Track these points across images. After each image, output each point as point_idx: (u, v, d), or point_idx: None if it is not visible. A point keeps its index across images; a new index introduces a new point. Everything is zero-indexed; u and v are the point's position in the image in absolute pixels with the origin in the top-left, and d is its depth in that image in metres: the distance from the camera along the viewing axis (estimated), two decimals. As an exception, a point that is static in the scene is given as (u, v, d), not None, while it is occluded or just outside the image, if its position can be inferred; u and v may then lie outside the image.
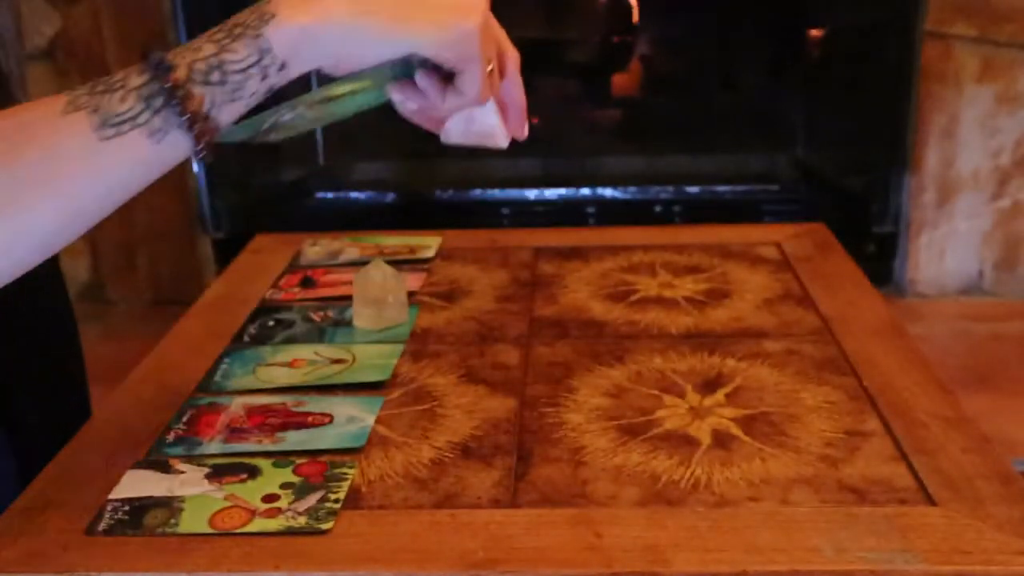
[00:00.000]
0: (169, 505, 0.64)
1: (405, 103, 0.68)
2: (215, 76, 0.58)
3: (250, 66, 0.58)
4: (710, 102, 2.54)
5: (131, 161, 0.58)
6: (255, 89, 0.59)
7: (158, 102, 0.57)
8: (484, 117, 0.68)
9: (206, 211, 2.25)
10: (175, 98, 0.57)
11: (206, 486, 0.66)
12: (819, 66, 2.37)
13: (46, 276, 0.88)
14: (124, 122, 0.57)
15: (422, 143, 2.72)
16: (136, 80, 0.57)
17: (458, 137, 0.69)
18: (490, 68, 0.66)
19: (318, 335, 0.90)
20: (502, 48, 0.69)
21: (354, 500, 0.65)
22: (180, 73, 0.57)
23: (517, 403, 0.77)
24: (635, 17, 2.48)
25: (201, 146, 0.59)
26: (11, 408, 0.82)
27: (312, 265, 1.07)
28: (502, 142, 0.69)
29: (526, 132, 0.72)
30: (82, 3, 2.14)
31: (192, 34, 2.15)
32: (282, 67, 0.59)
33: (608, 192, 2.35)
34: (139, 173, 0.59)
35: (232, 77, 0.58)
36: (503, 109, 0.69)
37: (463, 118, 0.68)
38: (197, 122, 0.58)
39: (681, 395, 0.77)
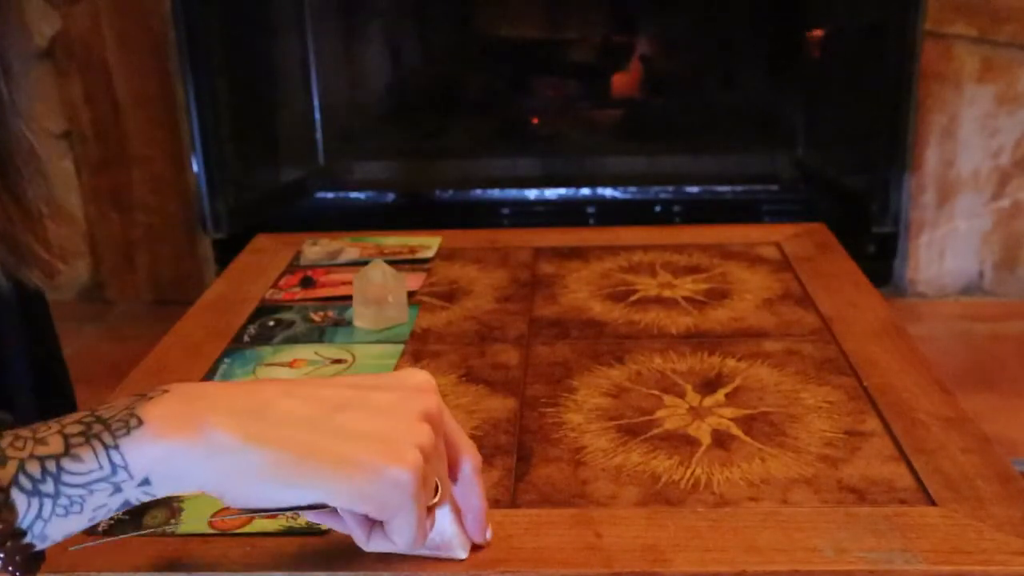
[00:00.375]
0: (169, 505, 0.64)
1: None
2: (48, 486, 0.47)
3: (96, 480, 0.47)
4: (710, 102, 2.55)
5: None
6: (102, 503, 0.48)
7: None
8: (438, 525, 0.57)
9: (206, 211, 2.25)
10: None
11: (206, 486, 0.66)
12: (819, 66, 2.37)
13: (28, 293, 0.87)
14: None
15: (422, 143, 2.71)
16: None
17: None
18: (435, 500, 0.54)
19: (318, 335, 0.90)
20: (455, 452, 0.56)
21: (354, 500, 0.65)
22: (4, 473, 0.46)
23: (517, 403, 0.77)
24: None
25: (14, 564, 0.47)
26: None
27: (312, 265, 1.07)
28: (460, 553, 0.58)
29: (489, 535, 0.59)
30: (82, 3, 2.14)
31: (192, 34, 2.12)
32: (144, 483, 0.48)
33: (608, 192, 2.35)
34: None
35: (69, 491, 0.47)
36: (459, 514, 0.58)
37: None
38: (8, 539, 0.47)
39: (681, 395, 0.77)
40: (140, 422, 0.47)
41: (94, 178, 2.27)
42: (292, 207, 2.40)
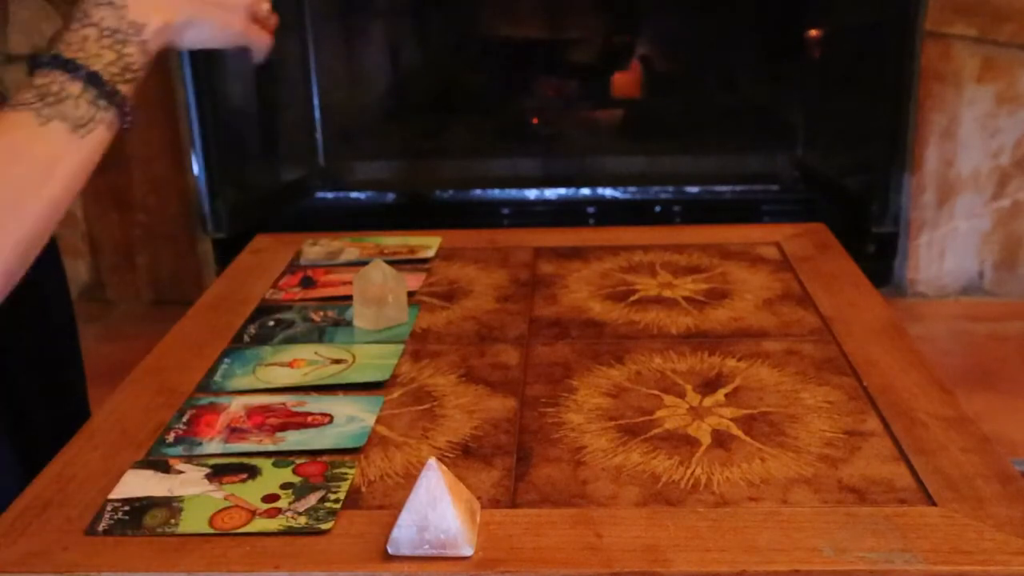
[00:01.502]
0: (169, 505, 0.64)
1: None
2: (128, 75, 0.76)
3: (143, 63, 0.77)
4: (710, 102, 2.55)
5: (100, 147, 0.75)
6: (144, 74, 0.78)
7: (103, 103, 0.74)
8: (441, 523, 0.58)
9: (206, 211, 2.25)
10: (116, 98, 0.74)
11: (206, 486, 0.66)
12: (819, 66, 2.37)
13: (50, 281, 0.89)
14: (89, 121, 0.73)
15: (422, 143, 2.71)
16: (74, 89, 0.73)
17: (409, 548, 0.58)
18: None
19: (318, 335, 0.90)
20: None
21: (354, 500, 0.65)
22: (108, 77, 0.74)
23: (517, 403, 0.77)
24: None
25: (127, 122, 0.76)
26: (16, 410, 0.83)
27: (312, 265, 1.07)
28: (465, 550, 0.58)
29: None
30: (82, 3, 2.14)
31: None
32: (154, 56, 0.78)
33: (608, 192, 2.35)
34: (99, 155, 0.76)
35: (136, 73, 0.76)
36: (462, 511, 0.59)
37: (415, 524, 0.58)
38: (126, 106, 0.76)
39: (681, 395, 0.77)
40: (144, 24, 0.77)
41: (94, 178, 2.26)
42: (292, 207, 2.40)
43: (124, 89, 0.75)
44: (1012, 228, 2.18)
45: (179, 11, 0.80)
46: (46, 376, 0.90)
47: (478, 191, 2.39)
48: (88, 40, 0.75)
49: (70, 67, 0.74)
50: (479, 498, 0.64)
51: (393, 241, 1.14)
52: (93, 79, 0.74)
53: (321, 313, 0.95)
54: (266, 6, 0.90)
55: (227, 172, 2.27)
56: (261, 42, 0.89)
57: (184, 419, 0.76)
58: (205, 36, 0.83)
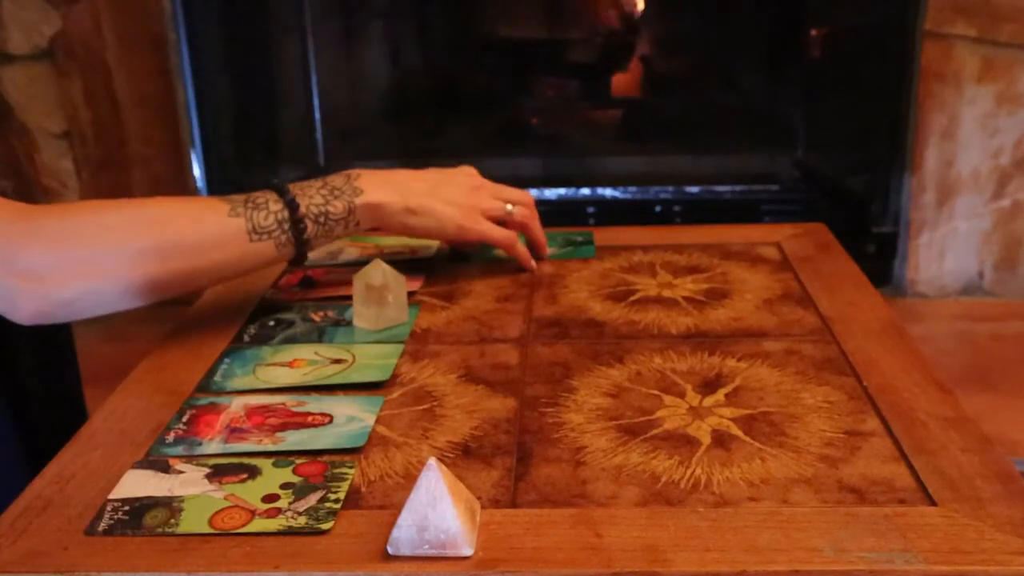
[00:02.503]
0: (169, 505, 0.64)
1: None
2: (322, 220, 0.88)
3: (342, 219, 0.89)
4: (710, 102, 2.54)
5: (259, 258, 0.86)
6: (340, 233, 0.91)
7: (287, 226, 0.86)
8: (441, 523, 0.57)
9: (206, 211, 2.25)
10: (300, 226, 0.87)
11: (206, 486, 0.66)
12: (819, 66, 2.37)
13: None
14: (264, 233, 0.85)
15: (422, 143, 2.70)
16: (275, 206, 0.86)
17: (409, 548, 0.58)
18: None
19: (318, 335, 0.90)
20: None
21: (354, 500, 0.65)
22: (303, 210, 0.87)
23: (517, 403, 0.77)
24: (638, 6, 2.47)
25: (299, 256, 0.89)
26: (20, 410, 0.83)
27: (312, 265, 1.07)
28: (465, 550, 0.58)
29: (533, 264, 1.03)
30: (82, 3, 2.14)
31: (192, 34, 2.13)
32: (357, 224, 0.91)
33: (608, 192, 2.35)
34: (258, 265, 0.87)
35: (330, 223, 0.89)
36: (462, 511, 0.59)
37: (415, 524, 0.58)
38: (304, 244, 0.88)
39: (681, 395, 0.77)
40: (362, 190, 0.91)
41: (94, 178, 2.27)
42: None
43: (311, 229, 0.87)
44: (1012, 228, 2.17)
45: (404, 198, 0.92)
46: (48, 375, 0.90)
47: (478, 191, 2.38)
48: (311, 187, 0.89)
49: (283, 192, 0.87)
50: (479, 498, 0.64)
51: (393, 241, 1.14)
52: (292, 205, 0.86)
53: (321, 313, 0.95)
54: (511, 208, 1.00)
55: (227, 172, 2.27)
56: (497, 241, 0.98)
57: (184, 419, 0.76)
58: (427, 227, 0.93)
